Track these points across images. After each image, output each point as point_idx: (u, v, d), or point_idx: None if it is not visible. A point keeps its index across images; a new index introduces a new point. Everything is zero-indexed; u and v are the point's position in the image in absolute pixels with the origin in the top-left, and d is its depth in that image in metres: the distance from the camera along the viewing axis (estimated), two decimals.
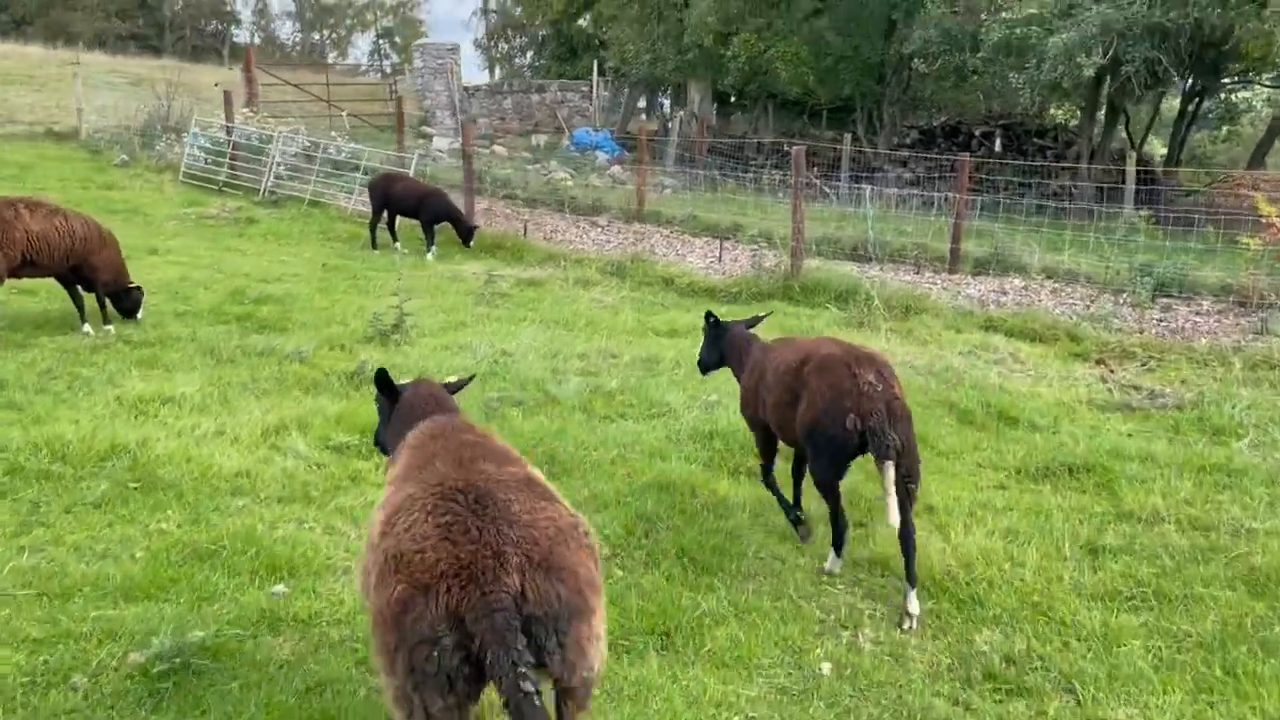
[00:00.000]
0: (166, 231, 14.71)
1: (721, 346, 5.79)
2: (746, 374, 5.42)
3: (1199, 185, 23.60)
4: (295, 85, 28.24)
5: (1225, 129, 31.75)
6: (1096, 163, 22.58)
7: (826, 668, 4.04)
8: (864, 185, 17.49)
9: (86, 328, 8.72)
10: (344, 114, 27.64)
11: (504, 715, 2.37)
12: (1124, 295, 12.31)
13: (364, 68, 64.32)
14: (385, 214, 14.61)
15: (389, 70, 49.40)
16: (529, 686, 2.31)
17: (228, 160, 18.61)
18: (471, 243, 14.33)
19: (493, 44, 59.63)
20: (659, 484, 5.73)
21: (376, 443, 4.03)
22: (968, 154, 18.09)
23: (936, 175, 20.85)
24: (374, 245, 14.42)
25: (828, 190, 19.62)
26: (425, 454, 3.11)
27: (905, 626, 4.39)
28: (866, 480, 5.95)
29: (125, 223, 15.07)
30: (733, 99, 35.46)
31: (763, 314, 6.32)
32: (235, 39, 67.93)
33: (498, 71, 57.84)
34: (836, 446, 4.49)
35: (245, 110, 21.28)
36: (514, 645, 2.35)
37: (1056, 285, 13.05)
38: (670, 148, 25.70)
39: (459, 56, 31.77)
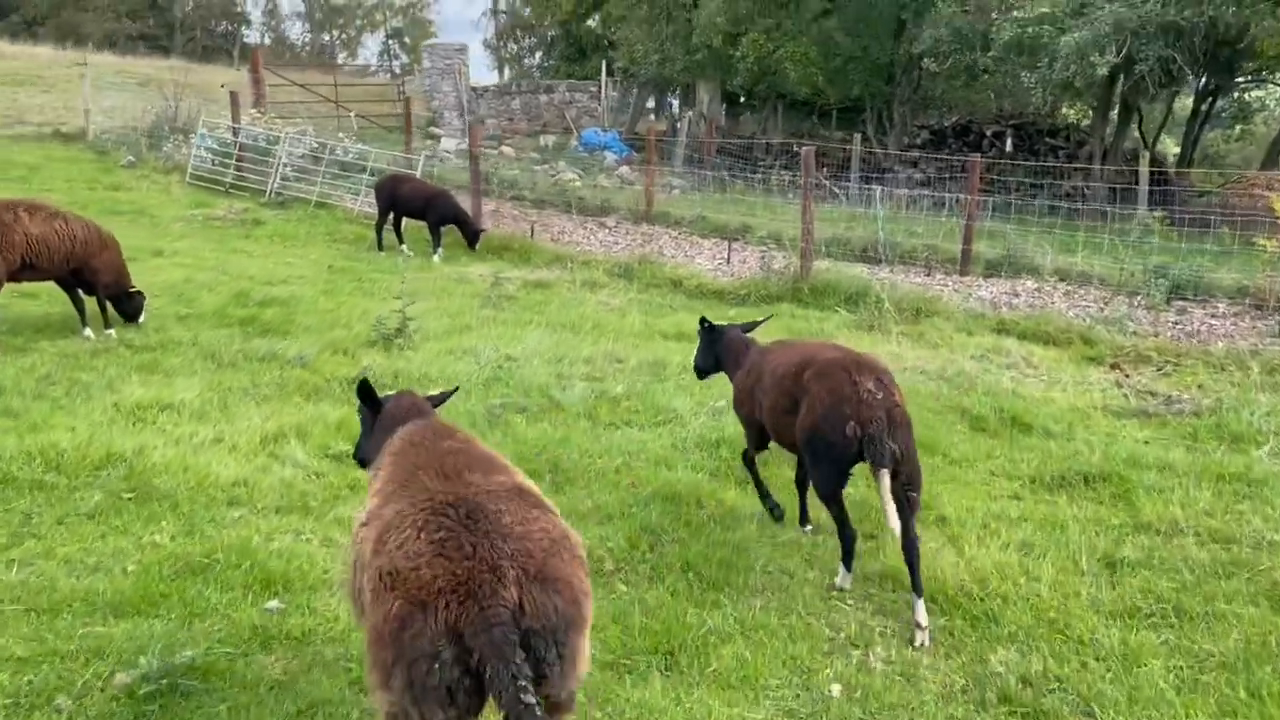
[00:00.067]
0: (172, 233, 14.63)
1: (717, 350, 5.75)
2: (742, 374, 5.40)
3: (1212, 186, 23.36)
4: (303, 86, 28.19)
5: (1238, 128, 31.47)
6: (1109, 163, 22.37)
7: (836, 689, 3.91)
8: (874, 186, 17.33)
9: (87, 331, 8.63)
10: (351, 115, 27.58)
11: None
12: (1138, 298, 12.14)
13: (373, 68, 64.33)
14: (392, 215, 14.51)
15: (398, 71, 49.39)
16: (530, 699, 2.31)
17: (234, 161, 18.54)
18: (477, 246, 14.22)
19: (502, 44, 59.61)
20: (664, 494, 5.60)
21: (356, 456, 3.97)
22: (979, 154, 17.91)
23: (947, 175, 20.69)
24: (380, 247, 14.33)
25: (837, 191, 19.45)
26: (407, 464, 3.06)
27: (917, 641, 4.27)
28: (875, 491, 5.81)
29: (131, 224, 15.02)
30: (742, 99, 35.31)
31: (761, 318, 6.28)
32: (246, 39, 68.02)
33: (507, 72, 57.83)
34: (836, 454, 4.42)
35: (252, 111, 21.22)
36: (513, 659, 2.34)
37: (1070, 287, 12.89)
38: (679, 148, 25.57)
39: (467, 57, 31.66)
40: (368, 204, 16.42)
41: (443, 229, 14.19)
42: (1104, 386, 8.62)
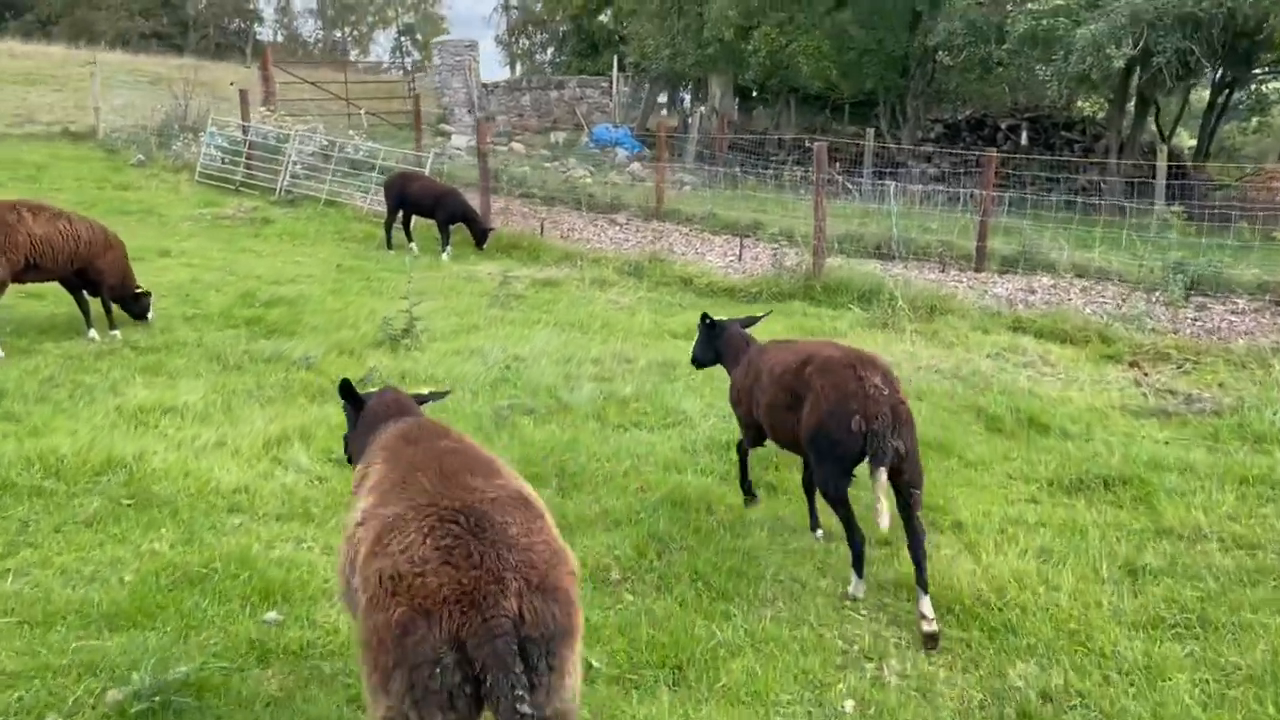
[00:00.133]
0: (181, 232, 14.59)
1: (717, 345, 5.74)
2: (740, 371, 5.38)
3: (1230, 179, 23.06)
4: (313, 83, 28.13)
5: (1255, 120, 31.07)
6: (1126, 156, 22.11)
7: (849, 705, 3.79)
8: (887, 181, 17.13)
9: (92, 333, 8.56)
10: (362, 112, 27.51)
11: None
12: (1157, 294, 11.94)
13: (385, 65, 64.34)
14: (401, 214, 14.42)
15: (410, 68, 49.32)
16: (527, 709, 2.35)
17: (244, 160, 18.49)
18: (485, 245, 14.12)
19: (513, 40, 59.43)
20: (673, 499, 5.48)
21: (346, 451, 3.95)
22: (994, 148, 17.70)
23: (962, 170, 20.47)
24: (389, 245, 14.24)
25: (850, 186, 19.27)
26: (403, 463, 3.03)
27: (924, 629, 4.22)
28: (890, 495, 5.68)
29: (140, 223, 14.99)
30: (754, 94, 35.08)
31: (760, 314, 6.23)
32: (258, 37, 68.11)
33: (519, 68, 57.70)
34: (841, 450, 4.38)
35: (262, 109, 21.18)
36: (514, 669, 2.37)
37: (1086, 284, 12.69)
38: (690, 144, 25.40)
39: (477, 53, 31.52)
40: (377, 202, 16.34)
41: (451, 227, 14.09)
42: (1122, 385, 8.46)
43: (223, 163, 18.90)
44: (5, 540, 4.68)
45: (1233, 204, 16.02)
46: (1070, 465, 6.35)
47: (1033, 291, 12.34)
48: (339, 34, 76.54)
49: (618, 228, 16.83)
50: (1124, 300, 11.68)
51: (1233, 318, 11.09)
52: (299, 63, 40.67)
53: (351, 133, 22.02)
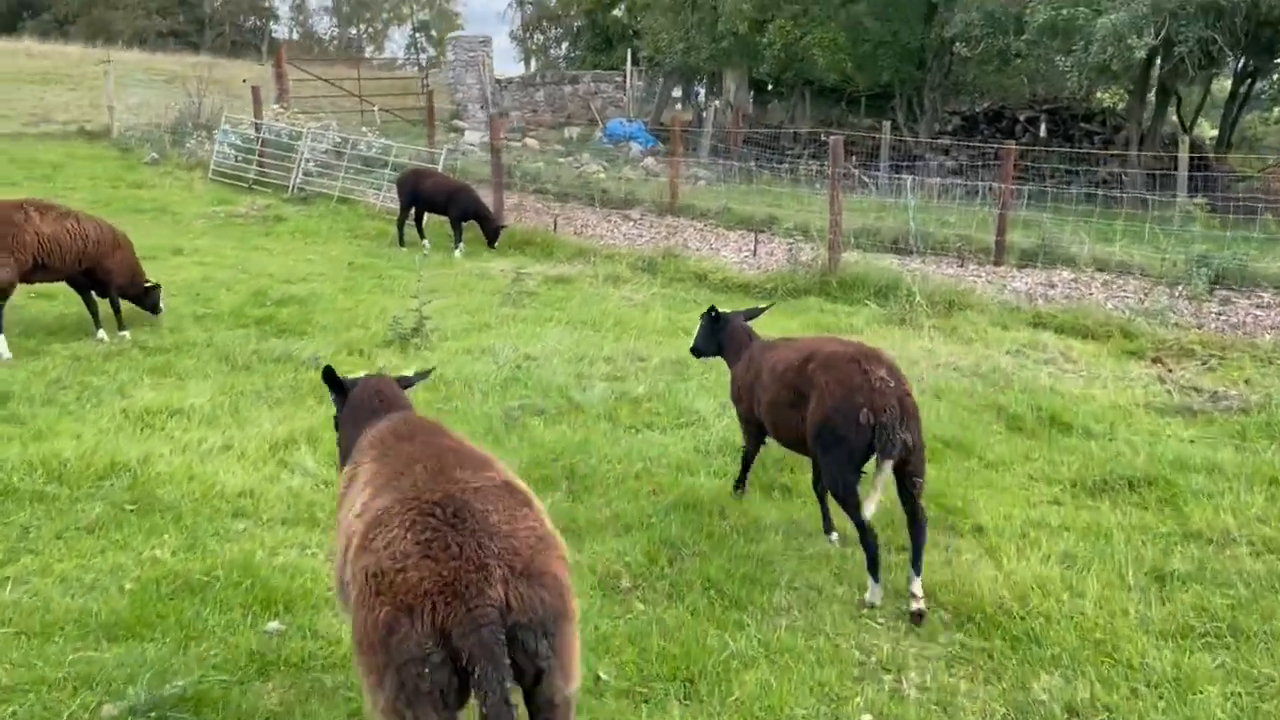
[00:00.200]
0: (194, 230, 14.56)
1: (720, 338, 5.70)
2: (741, 367, 5.34)
3: (1253, 170, 22.72)
4: (326, 80, 28.10)
5: (1277, 110, 30.60)
6: (1147, 148, 21.80)
7: (867, 719, 3.66)
8: (904, 175, 16.94)
9: (101, 334, 8.50)
10: (375, 109, 27.46)
11: None
12: (1180, 288, 11.72)
13: (400, 62, 64.35)
14: (413, 211, 14.34)
15: (424, 64, 49.26)
16: (511, 704, 2.34)
17: (257, 157, 18.46)
18: (497, 243, 14.01)
19: (528, 36, 59.31)
20: (685, 502, 5.36)
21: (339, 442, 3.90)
22: (1012, 141, 17.46)
23: (980, 163, 20.23)
24: (401, 243, 14.16)
25: (866, 180, 19.07)
26: (401, 458, 3.01)
27: (913, 607, 4.29)
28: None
29: (153, 222, 14.98)
30: (769, 87, 34.83)
31: (764, 305, 6.21)
32: (274, 34, 68.25)
33: (533, 63, 57.53)
34: (849, 445, 4.33)
35: (276, 107, 21.15)
36: (501, 660, 2.35)
37: (1108, 278, 12.48)
38: (704, 138, 25.22)
39: (491, 49, 31.40)
40: (390, 199, 16.27)
41: (464, 224, 14.00)
42: (1146, 382, 8.28)
43: (236, 160, 18.88)
44: (6, 547, 4.61)
45: (1257, 196, 15.75)
46: (1093, 466, 6.19)
47: (1053, 286, 12.14)
48: (354, 31, 76.67)
49: (631, 223, 16.70)
50: (1146, 295, 11.47)
51: (1258, 312, 10.88)
52: (313, 60, 40.71)
53: (364, 129, 21.97)
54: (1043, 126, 25.95)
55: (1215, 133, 28.44)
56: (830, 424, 4.38)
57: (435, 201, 14.18)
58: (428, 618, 2.37)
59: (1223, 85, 28.92)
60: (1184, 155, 18.14)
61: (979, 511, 5.44)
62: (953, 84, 28.41)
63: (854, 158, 21.35)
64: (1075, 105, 27.80)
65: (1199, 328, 10.00)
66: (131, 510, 5.05)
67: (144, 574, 4.41)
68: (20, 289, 8.53)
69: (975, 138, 24.28)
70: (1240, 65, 24.51)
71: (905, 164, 20.77)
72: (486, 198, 14.92)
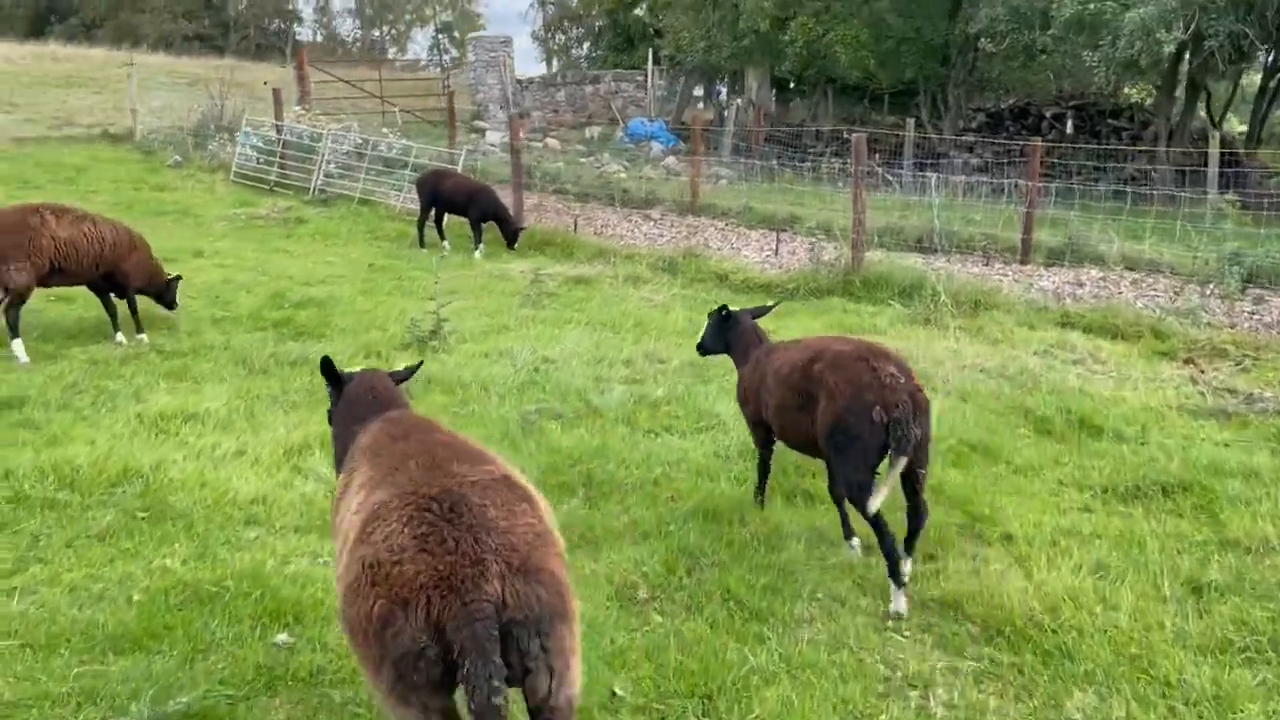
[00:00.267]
0: (215, 233, 14.57)
1: (729, 337, 5.62)
2: (748, 369, 5.28)
3: None
4: (348, 82, 28.15)
5: None
6: (1175, 144, 21.45)
7: None
8: (929, 172, 16.72)
9: (119, 337, 8.48)
10: (396, 110, 27.48)
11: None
12: (1211, 286, 11.48)
13: (423, 63, 64.51)
14: (434, 212, 14.29)
15: (447, 65, 49.35)
16: (498, 701, 2.31)
17: (278, 159, 18.48)
18: (516, 245, 13.93)
19: (550, 36, 59.32)
20: (705, 510, 5.24)
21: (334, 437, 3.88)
22: (1038, 137, 17.20)
23: (1005, 160, 19.96)
24: (421, 244, 14.11)
25: (890, 178, 18.85)
26: (395, 455, 3.01)
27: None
28: (935, 505, 5.39)
29: (175, 224, 15.01)
30: (791, 85, 34.61)
31: (771, 303, 6.14)
32: (298, 37, 68.57)
33: (555, 63, 57.51)
34: (863, 444, 4.27)
35: (297, 108, 21.19)
36: (493, 656, 2.33)
37: (1137, 276, 12.25)
38: (726, 137, 25.06)
39: (512, 49, 31.34)
40: (410, 200, 16.23)
41: (484, 225, 13.94)
42: (1178, 383, 8.07)
43: (258, 163, 18.91)
44: (15, 556, 4.54)
45: None
46: (1125, 470, 6.02)
47: (1081, 285, 11.93)
48: (377, 33, 76.93)
49: (652, 223, 16.59)
50: (1177, 294, 11.23)
51: None
52: (336, 62, 40.83)
53: (385, 131, 21.96)
54: (1069, 123, 25.62)
55: (1244, 128, 28.00)
56: (843, 424, 4.32)
57: (455, 202, 14.13)
58: (422, 612, 2.37)
59: (1252, 80, 28.43)
60: (1214, 151, 17.81)
61: (1007, 519, 5.28)
62: (977, 80, 28.08)
63: (877, 155, 21.08)
64: (1102, 101, 27.43)
65: (1232, 327, 9.77)
66: (143, 518, 4.99)
67: (153, 584, 4.33)
68: (39, 293, 8.53)
69: (1000, 135, 23.98)
70: (1271, 60, 24.09)
71: (929, 161, 20.52)
72: (506, 198, 14.85)
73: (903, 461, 4.18)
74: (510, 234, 13.96)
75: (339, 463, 3.52)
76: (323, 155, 18.02)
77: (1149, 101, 27.94)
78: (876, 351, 4.50)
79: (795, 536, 5.00)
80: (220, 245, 13.53)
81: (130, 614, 4.08)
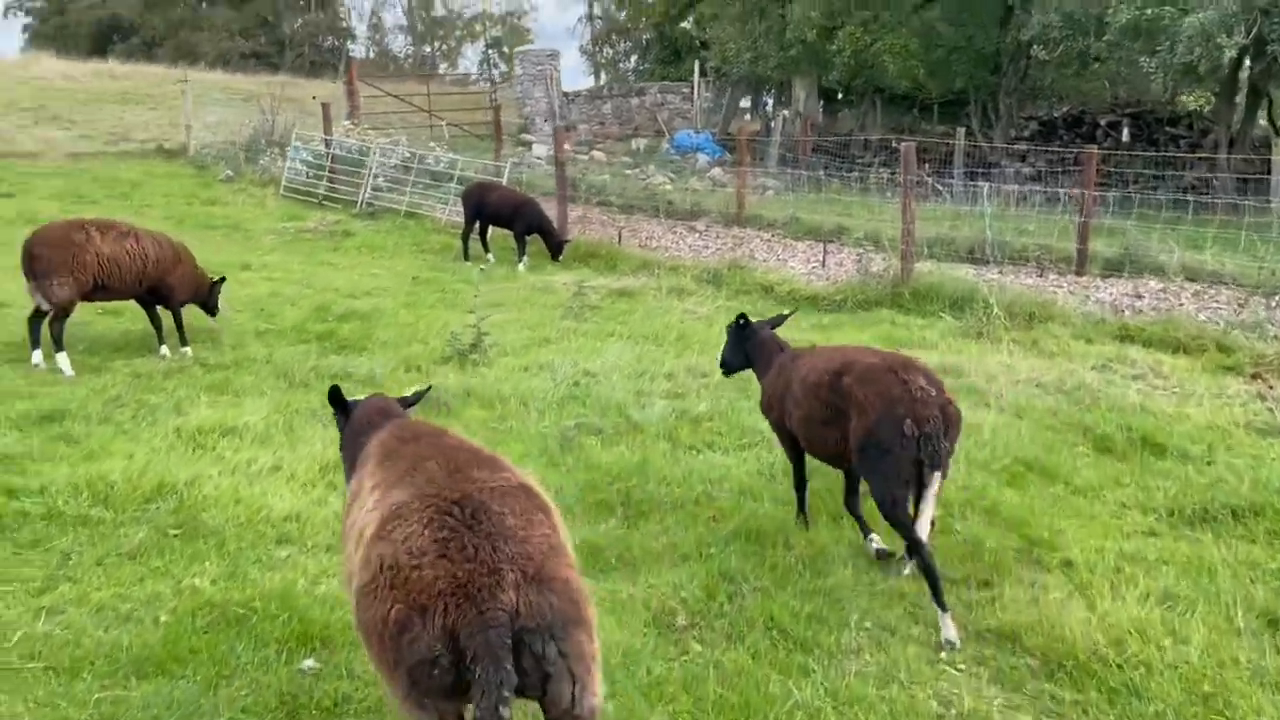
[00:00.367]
0: (263, 247, 14.68)
1: (748, 349, 5.55)
2: (771, 376, 5.18)
3: None
4: (397, 96, 28.36)
5: None
6: (1236, 152, 20.83)
7: None
8: (980, 182, 16.36)
9: (164, 350, 8.50)
10: (444, 124, 27.64)
11: None
12: (1278, 298, 11.03)
13: (473, 78, 65.08)
14: (478, 224, 14.26)
15: (497, 79, 49.69)
16: (505, 712, 2.32)
17: (327, 173, 18.62)
18: (561, 257, 13.84)
19: (597, 50, 59.54)
20: (747, 531, 5.04)
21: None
22: (1094, 145, 16.77)
23: (1059, 169, 19.50)
24: (466, 256, 14.08)
25: (940, 188, 18.50)
26: (406, 458, 3.02)
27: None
28: (990, 528, 5.16)
29: (225, 238, 15.15)
30: (839, 96, 34.32)
31: (787, 312, 6.09)
32: (351, 54, 69.49)
33: (602, 77, 57.69)
34: (894, 458, 4.17)
35: (346, 123, 21.36)
36: (504, 663, 2.34)
37: (1199, 288, 11.82)
38: (772, 147, 24.83)
39: (558, 62, 31.44)
40: (456, 213, 16.23)
41: (528, 237, 13.89)
42: (1245, 400, 7.71)
43: (307, 177, 19.08)
44: (45, 574, 4.48)
45: None
46: (1192, 492, 5.72)
47: (1140, 296, 11.54)
48: (428, 49, 77.76)
49: (697, 234, 16.42)
50: (1242, 305, 10.80)
51: None
52: (387, 77, 41.25)
53: (433, 144, 22.07)
54: (1125, 131, 25.04)
55: None
56: (874, 438, 4.23)
57: (500, 215, 14.10)
58: (439, 619, 2.38)
59: None
60: (1278, 159, 17.24)
61: (1067, 543, 5.03)
62: (1029, 89, 27.59)
63: (927, 165, 20.74)
64: (1159, 109, 26.79)
65: None
66: (175, 535, 4.91)
67: (181, 605, 4.24)
68: (88, 306, 8.60)
69: (1054, 143, 23.49)
70: None
71: (980, 171, 20.13)
72: (550, 211, 14.78)
73: (937, 477, 4.10)
74: (554, 246, 13.88)
75: (350, 478, 3.52)
76: (370, 169, 18.12)
77: (1208, 109, 27.22)
78: (906, 364, 4.43)
79: (842, 560, 4.79)
80: (268, 259, 13.62)
81: (156, 636, 3.99)
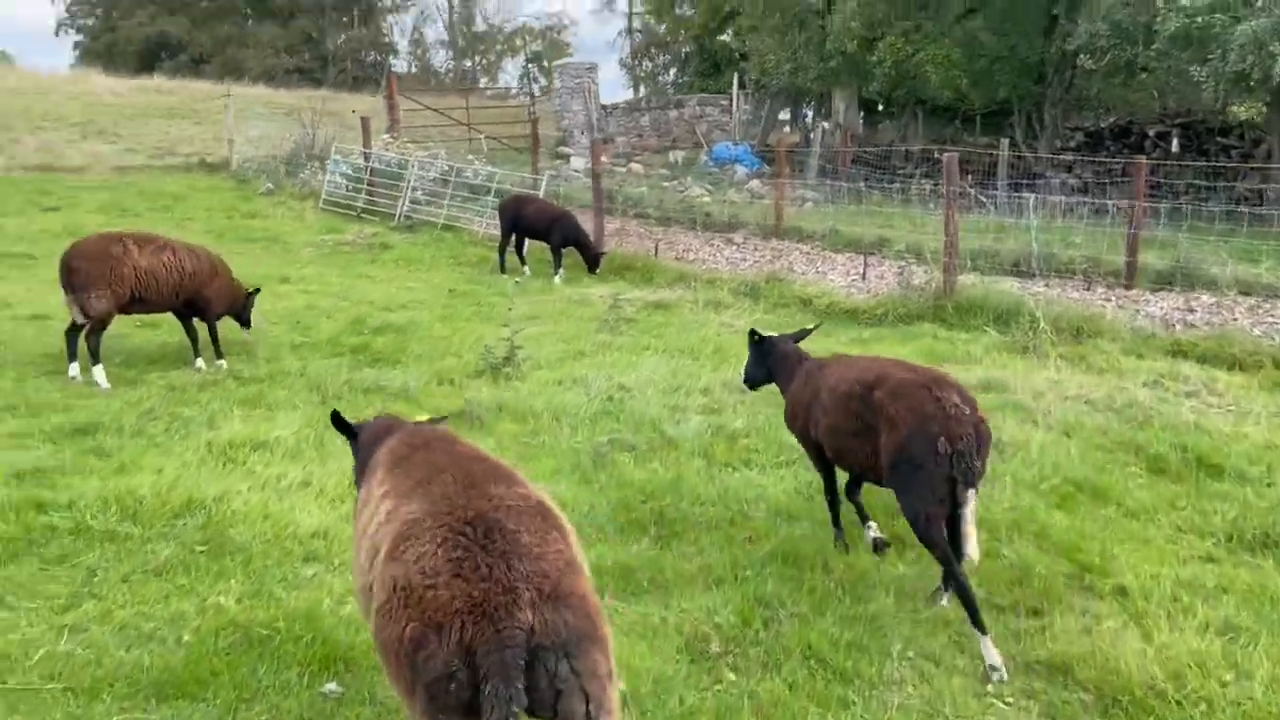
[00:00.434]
0: (301, 259, 14.75)
1: (769, 363, 5.50)
2: (796, 386, 5.10)
3: None
4: (436, 110, 28.52)
5: None
6: None
7: None
8: (1025, 193, 16.04)
9: (199, 363, 8.50)
10: (482, 137, 27.74)
11: None
12: None
13: (514, 91, 65.46)
14: (514, 237, 14.23)
15: (537, 93, 49.95)
16: None
17: (365, 186, 18.71)
18: (598, 270, 13.75)
19: (636, 63, 59.68)
20: (784, 553, 4.88)
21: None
22: (1142, 156, 16.39)
23: (1106, 181, 19.12)
24: (502, 269, 14.05)
25: (984, 199, 18.18)
26: (420, 467, 3.00)
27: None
28: (1039, 552, 4.95)
29: (264, 251, 15.26)
30: (879, 107, 34.02)
31: (811, 325, 6.00)
32: (393, 69, 70.22)
33: (642, 90, 57.79)
34: (928, 475, 4.07)
35: (385, 136, 21.47)
36: (515, 681, 2.33)
37: (1254, 301, 11.45)
38: (812, 159, 24.62)
39: (596, 75, 31.45)
40: (493, 225, 16.22)
41: (564, 250, 13.83)
42: None
43: (346, 190, 19.19)
44: (70, 591, 4.43)
45: None
46: (1252, 516, 5.47)
47: (1191, 310, 11.20)
48: (469, 63, 78.38)
49: (734, 247, 16.26)
50: None
51: None
52: (428, 90, 41.55)
53: (471, 157, 22.12)
54: (1174, 141, 24.49)
55: None
56: (906, 454, 4.14)
57: (536, 228, 14.06)
58: (455, 636, 2.38)
59: None
60: None
61: (1120, 569, 4.81)
62: (1075, 99, 27.11)
63: (969, 176, 20.45)
64: (1210, 119, 26.18)
65: None
66: (202, 552, 4.84)
67: (204, 624, 4.16)
68: (126, 318, 8.63)
69: (1101, 154, 23.04)
70: None
71: (1024, 182, 19.78)
72: (587, 223, 14.71)
73: (972, 496, 4.01)
74: (591, 259, 13.81)
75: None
76: (408, 182, 18.18)
77: (1260, 118, 26.59)
78: (939, 379, 4.35)
79: (883, 586, 4.61)
80: (306, 271, 13.67)
81: (178, 656, 3.90)
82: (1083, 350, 9.25)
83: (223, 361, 8.58)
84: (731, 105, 32.42)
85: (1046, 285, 12.29)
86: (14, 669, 3.81)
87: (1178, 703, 3.69)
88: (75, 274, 7.78)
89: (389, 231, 17.00)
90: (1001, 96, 25.81)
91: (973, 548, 3.98)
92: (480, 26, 74.72)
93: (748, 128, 32.41)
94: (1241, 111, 28.78)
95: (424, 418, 3.97)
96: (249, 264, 12.82)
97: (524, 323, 9.71)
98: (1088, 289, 12.43)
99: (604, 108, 32.31)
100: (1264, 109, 24.38)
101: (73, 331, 7.95)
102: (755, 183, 23.98)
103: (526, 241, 14.37)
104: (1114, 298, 11.89)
